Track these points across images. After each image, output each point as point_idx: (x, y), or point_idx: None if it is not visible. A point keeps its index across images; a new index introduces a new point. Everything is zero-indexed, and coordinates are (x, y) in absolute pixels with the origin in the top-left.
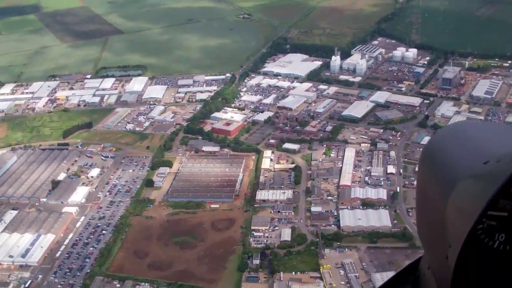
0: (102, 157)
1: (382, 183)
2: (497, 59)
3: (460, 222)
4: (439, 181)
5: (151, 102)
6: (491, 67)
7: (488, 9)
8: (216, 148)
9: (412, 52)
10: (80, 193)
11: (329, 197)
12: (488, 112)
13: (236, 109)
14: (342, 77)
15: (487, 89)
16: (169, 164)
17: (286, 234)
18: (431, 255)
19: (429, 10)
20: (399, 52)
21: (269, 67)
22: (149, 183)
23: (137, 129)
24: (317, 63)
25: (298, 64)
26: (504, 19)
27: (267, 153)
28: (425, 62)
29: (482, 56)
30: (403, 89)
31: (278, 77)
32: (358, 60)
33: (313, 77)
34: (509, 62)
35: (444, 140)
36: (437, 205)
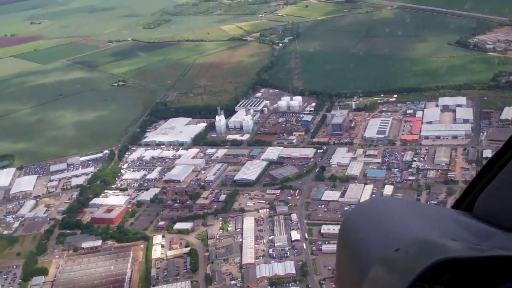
0: None
1: (288, 253)
2: (382, 95)
3: None
4: (354, 263)
5: (20, 197)
6: (378, 104)
7: (364, 45)
8: (98, 242)
9: (297, 100)
10: None
11: (233, 281)
12: (384, 153)
13: (118, 191)
14: (230, 136)
15: (378, 128)
16: (44, 271)
17: None
18: None
19: (306, 54)
20: (284, 101)
21: (151, 136)
22: None
23: (5, 232)
24: (202, 125)
25: (182, 129)
26: (380, 53)
27: (157, 238)
28: (312, 109)
29: (367, 94)
30: (294, 141)
31: (162, 146)
32: (244, 117)
33: (199, 141)
34: (395, 96)
35: (357, 219)
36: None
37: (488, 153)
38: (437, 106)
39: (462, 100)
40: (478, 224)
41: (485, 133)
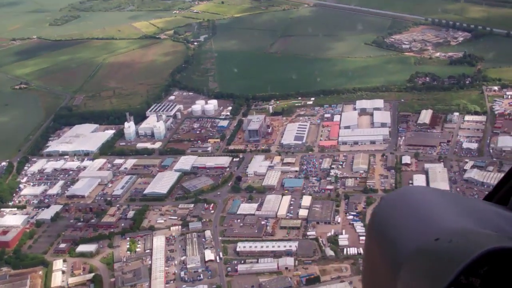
0: None
1: (202, 275)
2: (299, 98)
3: None
4: (387, 253)
5: None
6: (295, 107)
7: (281, 44)
8: None
9: (212, 104)
10: None
11: None
12: (302, 161)
13: (15, 209)
14: (140, 145)
15: (296, 134)
16: None
17: None
18: None
19: (222, 54)
20: (199, 106)
21: (54, 145)
22: None
23: None
24: (110, 133)
25: (88, 136)
26: (297, 53)
27: (58, 263)
28: (228, 113)
29: (284, 96)
30: (209, 148)
31: (65, 156)
32: (155, 123)
33: (107, 150)
34: (312, 99)
35: (389, 209)
36: (385, 281)
37: (406, 159)
38: (354, 109)
39: (379, 102)
40: None
41: (403, 138)
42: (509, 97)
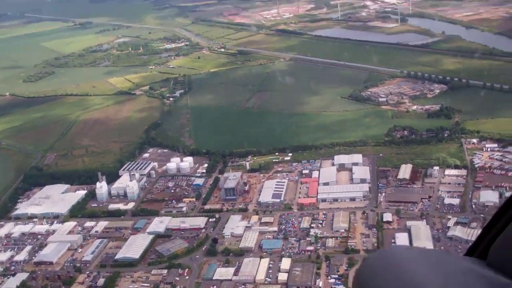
0: None
1: None
2: (277, 153)
3: None
4: None
5: None
6: (273, 163)
7: (258, 99)
8: None
9: (188, 162)
10: None
11: None
12: (280, 220)
13: None
14: (112, 206)
15: (274, 191)
16: None
17: None
18: None
19: (198, 109)
20: (174, 163)
21: (22, 208)
22: None
23: None
24: (81, 193)
25: (58, 198)
26: (274, 107)
27: None
28: (204, 171)
29: (262, 152)
30: (184, 208)
31: (34, 220)
32: (128, 183)
33: (78, 212)
34: (290, 155)
35: (373, 271)
36: None
37: (388, 217)
38: (333, 165)
39: (358, 157)
40: (492, 275)
41: (383, 194)
42: (489, 149)
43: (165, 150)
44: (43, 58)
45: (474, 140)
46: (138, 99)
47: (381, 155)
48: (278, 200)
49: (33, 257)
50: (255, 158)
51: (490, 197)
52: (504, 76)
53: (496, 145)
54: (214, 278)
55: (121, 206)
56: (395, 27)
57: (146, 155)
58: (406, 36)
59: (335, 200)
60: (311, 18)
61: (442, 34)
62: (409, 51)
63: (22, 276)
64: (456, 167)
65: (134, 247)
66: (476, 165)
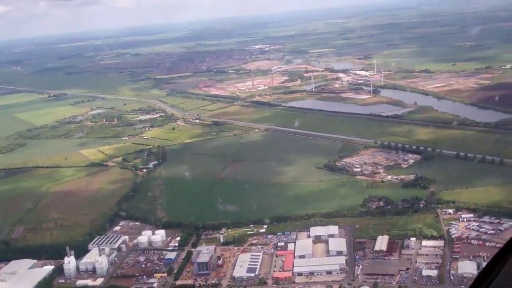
0: None
1: None
2: (251, 225)
3: None
4: None
5: None
6: (247, 236)
7: (232, 169)
8: None
9: (159, 235)
10: None
11: None
12: None
13: None
14: (80, 282)
15: (248, 265)
16: None
17: None
18: None
19: (172, 181)
20: (145, 237)
21: None
22: None
23: None
24: (48, 269)
25: (24, 273)
26: (249, 178)
27: None
28: (176, 244)
29: (236, 224)
30: (155, 284)
31: None
32: (97, 257)
33: None
34: (265, 227)
35: None
36: None
37: None
38: (309, 236)
39: (334, 229)
40: None
41: (360, 267)
42: (465, 220)
43: (136, 223)
44: (16, 129)
45: (450, 211)
46: (111, 170)
47: (357, 226)
48: (253, 275)
49: None
50: (229, 230)
51: (468, 268)
52: (476, 146)
53: (472, 215)
54: None
55: (89, 282)
56: (368, 98)
57: (117, 228)
58: (379, 107)
59: (311, 273)
60: (285, 90)
61: (414, 104)
62: (382, 122)
63: None
64: (433, 238)
65: None
66: (453, 236)
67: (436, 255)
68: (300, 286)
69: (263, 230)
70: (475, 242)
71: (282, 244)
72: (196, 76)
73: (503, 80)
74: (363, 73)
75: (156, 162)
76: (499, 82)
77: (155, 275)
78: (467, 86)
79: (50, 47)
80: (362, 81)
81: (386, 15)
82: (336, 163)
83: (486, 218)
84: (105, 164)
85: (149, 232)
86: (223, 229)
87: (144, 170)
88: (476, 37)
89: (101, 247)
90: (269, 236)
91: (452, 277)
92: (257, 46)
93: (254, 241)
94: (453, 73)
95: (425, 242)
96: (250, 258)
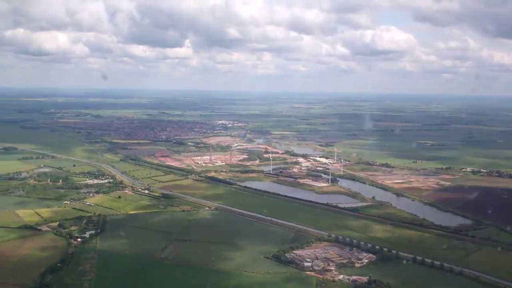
0: None
1: None
2: None
3: None
4: None
5: None
6: None
7: (175, 249)
8: None
9: None
10: None
11: None
12: None
13: None
14: None
15: None
16: None
17: None
18: None
19: (107, 255)
20: None
21: None
22: None
23: None
24: None
25: None
26: (191, 261)
27: None
28: None
29: None
30: None
31: None
32: None
33: None
34: None
35: None
36: None
37: None
38: None
39: None
40: None
41: None
42: None
43: None
44: None
45: None
46: (43, 236)
47: None
48: None
49: None
50: None
51: None
52: (435, 251)
53: None
54: None
55: None
56: (326, 187)
57: None
58: (336, 197)
59: None
60: (242, 169)
61: (373, 199)
62: (338, 214)
63: None
64: None
65: None
66: None
67: None
68: None
69: None
70: None
71: None
72: (154, 144)
73: (463, 183)
74: (323, 160)
75: (93, 232)
76: (459, 185)
77: None
78: (427, 186)
79: (13, 100)
80: (321, 168)
81: (349, 105)
82: (286, 254)
83: None
84: (39, 228)
85: None
86: None
87: (79, 239)
88: (438, 136)
89: None
90: None
91: None
92: (220, 121)
93: None
94: (413, 170)
95: None
96: None
